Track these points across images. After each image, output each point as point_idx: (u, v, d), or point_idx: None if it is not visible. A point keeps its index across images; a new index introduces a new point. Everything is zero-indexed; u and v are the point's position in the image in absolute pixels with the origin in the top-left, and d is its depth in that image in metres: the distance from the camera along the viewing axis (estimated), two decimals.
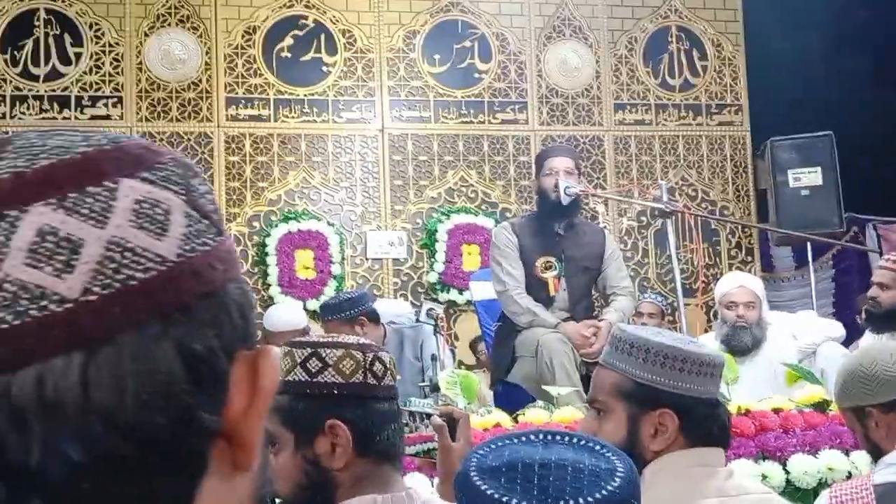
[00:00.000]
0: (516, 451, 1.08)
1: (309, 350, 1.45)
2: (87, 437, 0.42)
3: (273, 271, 6.18)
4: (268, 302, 6.02)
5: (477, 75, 6.66)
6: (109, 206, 0.44)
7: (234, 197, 6.28)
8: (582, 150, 6.63)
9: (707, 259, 6.60)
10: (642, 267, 6.66)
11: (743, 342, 4.07)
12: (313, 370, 1.43)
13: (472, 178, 6.58)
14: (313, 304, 6.12)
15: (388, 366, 1.47)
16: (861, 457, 2.80)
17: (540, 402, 3.09)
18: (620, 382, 1.68)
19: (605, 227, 5.71)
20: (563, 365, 3.64)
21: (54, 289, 0.42)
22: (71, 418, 0.42)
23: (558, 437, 1.12)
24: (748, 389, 3.44)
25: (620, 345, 1.68)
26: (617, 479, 1.03)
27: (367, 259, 6.39)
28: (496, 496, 1.01)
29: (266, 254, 6.19)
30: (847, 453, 2.83)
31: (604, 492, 1.01)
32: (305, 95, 6.44)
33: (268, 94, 6.39)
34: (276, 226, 6.25)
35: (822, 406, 3.06)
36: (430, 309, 3.86)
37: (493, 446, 1.11)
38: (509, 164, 6.64)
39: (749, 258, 6.85)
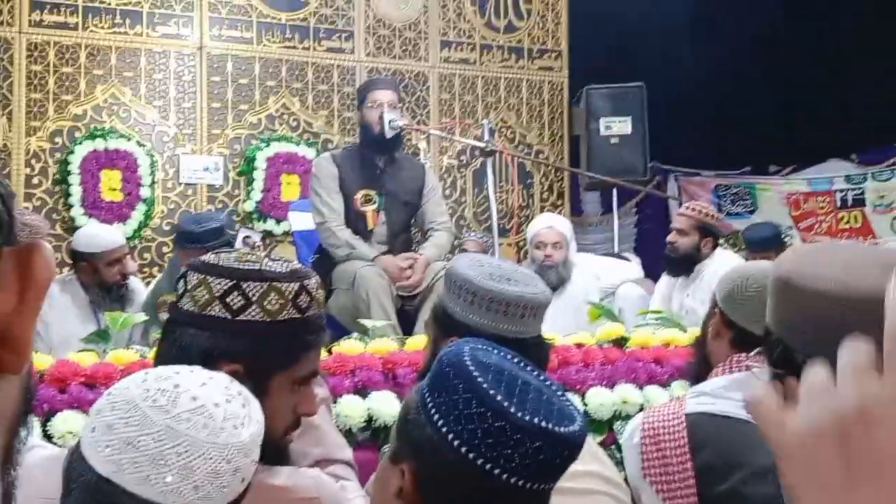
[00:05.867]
0: (499, 360, 1.18)
1: (228, 282, 1.33)
2: None
3: (76, 191, 5.83)
4: (69, 224, 5.69)
5: None
6: None
7: (35, 109, 5.84)
8: (407, 86, 6.61)
9: (521, 200, 6.81)
10: (460, 205, 6.78)
11: (549, 280, 4.25)
12: (235, 307, 1.32)
13: (295, 106, 6.44)
14: (119, 228, 5.85)
15: (315, 295, 1.39)
16: (653, 391, 3.01)
17: (355, 334, 3.11)
18: (436, 307, 1.75)
19: (426, 163, 5.74)
20: (379, 298, 3.67)
21: None
22: None
23: (529, 367, 1.21)
24: (553, 325, 3.59)
25: (446, 274, 1.77)
26: (576, 426, 1.14)
27: (179, 183, 6.15)
28: (485, 386, 1.11)
29: (69, 172, 5.82)
30: (641, 388, 3.02)
31: (568, 429, 1.12)
32: (117, 5, 6.04)
33: (76, 1, 5.95)
34: (81, 143, 5.88)
35: (619, 342, 3.24)
36: (247, 237, 3.76)
37: (480, 346, 1.19)
38: (333, 94, 6.53)
39: (560, 202, 7.11)
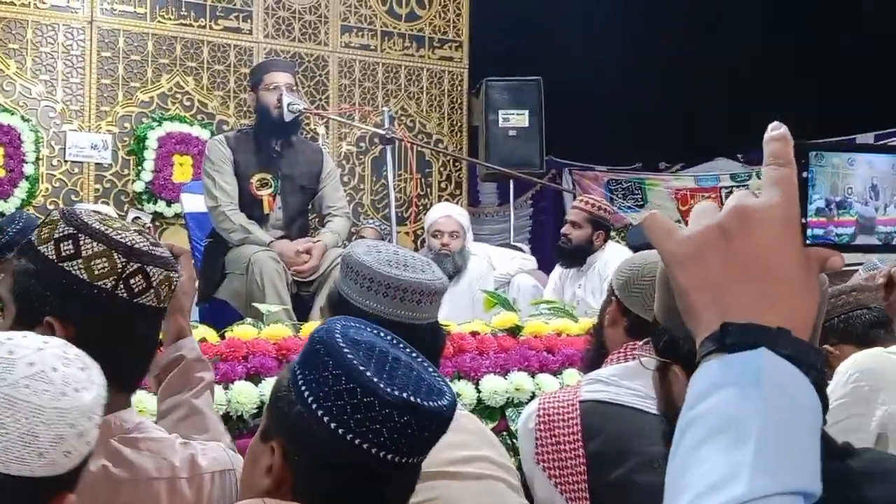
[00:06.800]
0: (371, 337, 1.18)
1: (71, 229, 1.30)
2: None
3: None
4: None
5: None
6: None
7: None
8: (306, 69, 6.53)
9: (419, 189, 6.82)
10: (358, 192, 6.74)
11: (445, 269, 4.27)
12: (64, 253, 1.29)
13: (189, 86, 6.27)
14: (1, 206, 5.60)
15: (153, 284, 1.33)
16: (545, 379, 3.06)
17: (249, 319, 3.05)
18: (332, 293, 1.73)
19: (324, 147, 5.70)
20: (274, 283, 3.62)
21: None
22: None
23: (402, 345, 1.21)
24: (449, 313, 3.61)
25: (342, 260, 1.75)
26: (445, 400, 1.15)
27: (66, 161, 5.92)
28: (355, 363, 1.11)
29: None
30: (533, 376, 3.06)
31: (436, 404, 1.14)
32: None
33: None
34: None
35: (514, 331, 3.28)
36: (136, 218, 3.65)
37: (352, 324, 1.20)
38: (230, 75, 6.39)
39: (458, 191, 7.15)
